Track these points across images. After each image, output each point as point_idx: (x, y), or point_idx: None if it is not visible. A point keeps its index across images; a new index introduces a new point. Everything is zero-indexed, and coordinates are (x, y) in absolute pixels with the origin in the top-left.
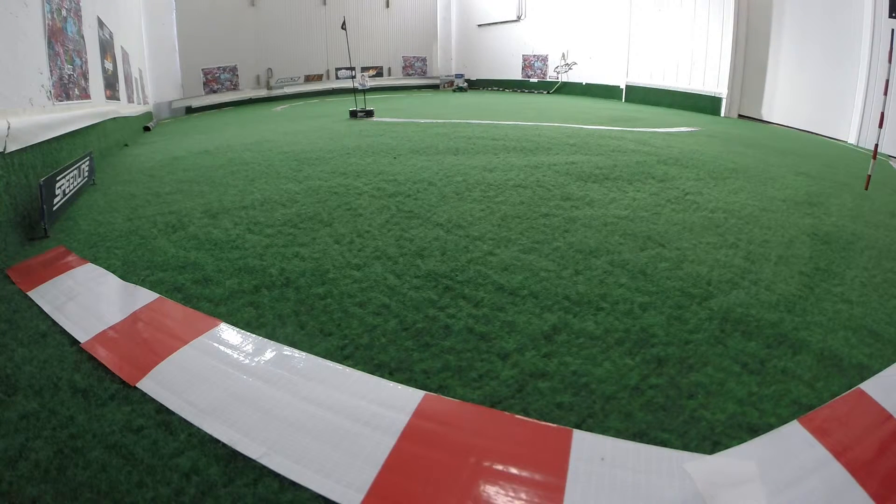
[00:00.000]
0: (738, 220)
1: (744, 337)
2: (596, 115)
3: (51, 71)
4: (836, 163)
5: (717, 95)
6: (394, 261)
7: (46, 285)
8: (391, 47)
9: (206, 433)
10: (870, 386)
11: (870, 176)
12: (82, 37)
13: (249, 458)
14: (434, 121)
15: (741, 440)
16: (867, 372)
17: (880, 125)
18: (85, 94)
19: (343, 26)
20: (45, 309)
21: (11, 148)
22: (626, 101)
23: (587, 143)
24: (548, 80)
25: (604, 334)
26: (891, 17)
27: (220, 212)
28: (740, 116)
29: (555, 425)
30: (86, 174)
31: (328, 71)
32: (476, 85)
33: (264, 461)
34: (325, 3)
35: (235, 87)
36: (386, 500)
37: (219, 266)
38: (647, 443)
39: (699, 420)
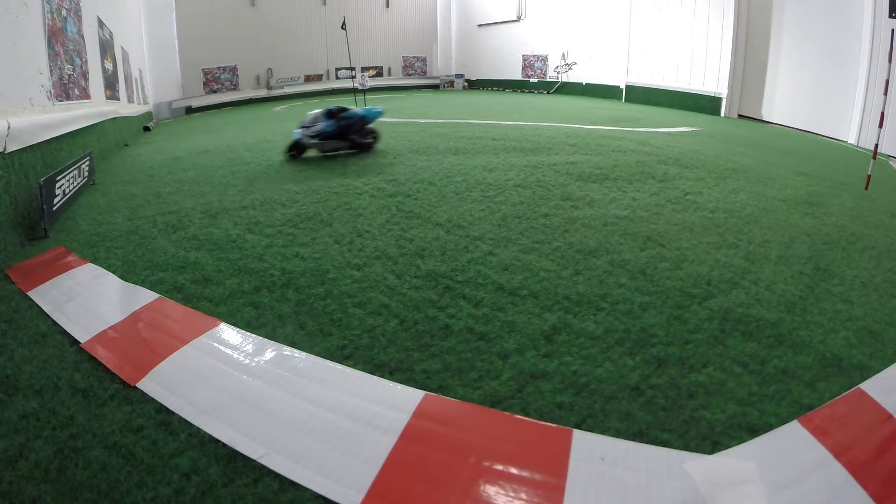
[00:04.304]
0: (738, 220)
1: (744, 337)
2: (596, 115)
3: (51, 71)
4: (836, 163)
5: (717, 95)
6: (394, 261)
7: (46, 285)
8: (391, 47)
9: (206, 433)
10: (870, 386)
11: (870, 176)
12: (82, 37)
13: (249, 458)
14: (434, 121)
15: (741, 440)
16: (867, 372)
17: (880, 125)
18: (85, 94)
19: (343, 26)
20: (45, 309)
21: (11, 148)
22: (626, 101)
23: (587, 143)
24: (548, 80)
25: (604, 334)
26: (891, 17)
27: (220, 212)
28: (740, 116)
29: (555, 425)
30: (86, 174)
31: (328, 71)
32: (476, 85)
33: (264, 461)
34: (325, 3)
35: (235, 87)
36: (386, 500)
37: (219, 266)
38: (647, 443)
39: (699, 420)
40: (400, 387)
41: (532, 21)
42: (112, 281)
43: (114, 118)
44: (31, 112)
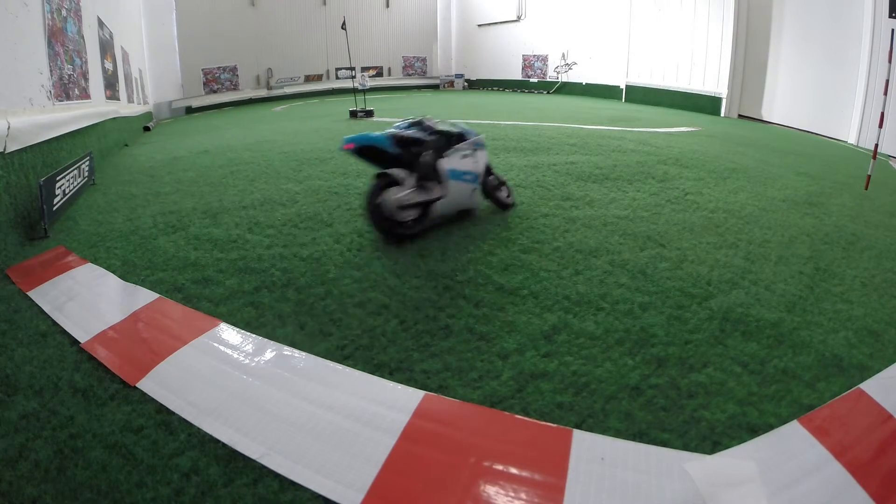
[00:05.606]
0: (738, 220)
1: (744, 337)
2: (596, 115)
3: (51, 71)
4: (836, 163)
5: (717, 95)
6: (394, 261)
7: (46, 285)
8: (391, 47)
9: (206, 433)
10: (870, 386)
11: (870, 176)
12: (82, 37)
13: (249, 458)
14: None
15: (741, 440)
16: (867, 372)
17: (880, 125)
18: (85, 94)
19: (343, 26)
20: (45, 309)
21: (11, 148)
22: (626, 101)
23: (587, 142)
24: (548, 80)
25: (604, 334)
26: (891, 17)
27: (220, 212)
28: (740, 116)
29: (555, 425)
30: (86, 174)
31: (328, 71)
32: (476, 85)
33: (264, 461)
34: (325, 3)
35: (235, 87)
36: (386, 500)
37: (219, 266)
38: (647, 443)
39: (699, 420)
40: (400, 387)
41: (532, 21)
42: (112, 281)
43: (114, 118)
44: (31, 112)
